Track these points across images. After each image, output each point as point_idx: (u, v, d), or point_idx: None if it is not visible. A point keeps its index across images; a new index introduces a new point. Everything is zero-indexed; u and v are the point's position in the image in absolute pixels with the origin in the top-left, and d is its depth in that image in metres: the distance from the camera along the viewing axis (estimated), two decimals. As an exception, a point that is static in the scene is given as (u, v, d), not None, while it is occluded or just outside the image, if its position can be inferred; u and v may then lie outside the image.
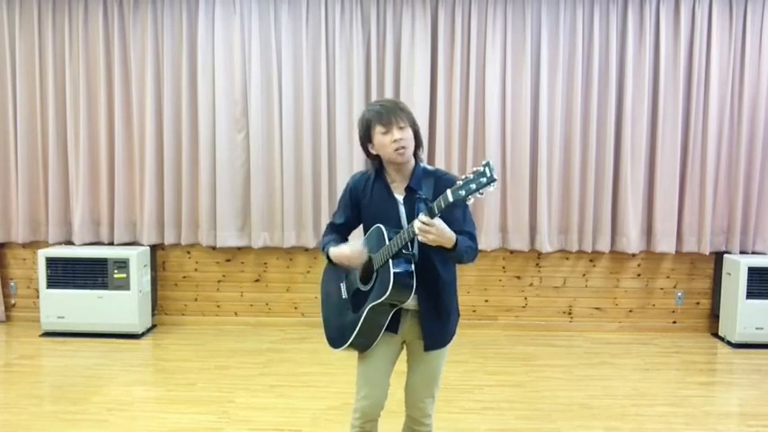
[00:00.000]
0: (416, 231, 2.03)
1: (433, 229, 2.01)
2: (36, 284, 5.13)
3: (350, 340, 2.30)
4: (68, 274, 4.83)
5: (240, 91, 4.97)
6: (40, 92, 5.02)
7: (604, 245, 5.02)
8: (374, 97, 4.93)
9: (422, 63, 4.87)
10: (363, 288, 2.28)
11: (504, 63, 4.91)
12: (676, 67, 4.90)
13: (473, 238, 2.24)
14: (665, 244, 4.99)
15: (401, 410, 2.47)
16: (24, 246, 5.22)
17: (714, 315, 5.14)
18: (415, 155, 2.31)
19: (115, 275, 4.80)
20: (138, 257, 4.84)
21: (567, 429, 3.40)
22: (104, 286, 4.82)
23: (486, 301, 5.22)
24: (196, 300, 5.27)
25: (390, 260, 2.15)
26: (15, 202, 5.10)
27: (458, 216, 2.20)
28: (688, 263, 5.17)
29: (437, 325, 2.31)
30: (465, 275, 5.16)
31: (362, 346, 2.32)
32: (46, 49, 4.99)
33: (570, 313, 5.23)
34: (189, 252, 5.23)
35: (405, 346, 2.39)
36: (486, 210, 4.97)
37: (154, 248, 5.16)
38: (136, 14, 4.93)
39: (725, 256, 5.00)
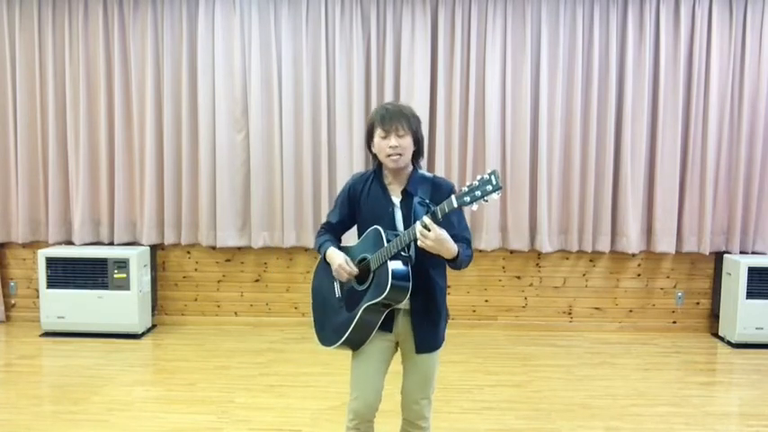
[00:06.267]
0: (417, 235, 2.05)
1: (431, 235, 2.03)
2: (36, 284, 5.13)
3: (343, 338, 2.30)
4: (68, 274, 4.83)
5: (240, 91, 4.97)
6: (40, 92, 5.02)
7: (604, 245, 5.03)
8: (374, 97, 4.93)
9: (422, 63, 4.87)
10: (359, 288, 2.30)
11: (504, 63, 4.91)
12: (676, 67, 4.90)
13: (469, 244, 2.27)
14: (665, 244, 4.99)
15: (399, 410, 2.46)
16: (24, 246, 5.22)
17: (714, 315, 5.14)
18: (414, 161, 2.34)
19: (115, 275, 4.80)
20: (138, 257, 4.84)
21: (566, 429, 3.40)
22: (104, 286, 4.82)
23: (486, 301, 5.22)
24: (196, 300, 5.27)
25: (388, 261, 2.16)
26: (15, 202, 5.10)
27: (453, 221, 2.20)
28: (688, 263, 5.17)
29: (429, 328, 2.32)
30: (465, 275, 5.16)
31: (355, 343, 2.33)
32: (46, 49, 4.99)
33: (570, 313, 5.23)
34: (189, 252, 5.23)
35: (399, 347, 2.40)
36: (487, 210, 4.97)
37: (154, 248, 5.16)
38: (136, 14, 4.94)
39: (725, 256, 5.00)
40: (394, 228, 2.27)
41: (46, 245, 5.10)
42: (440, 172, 4.91)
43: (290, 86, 4.95)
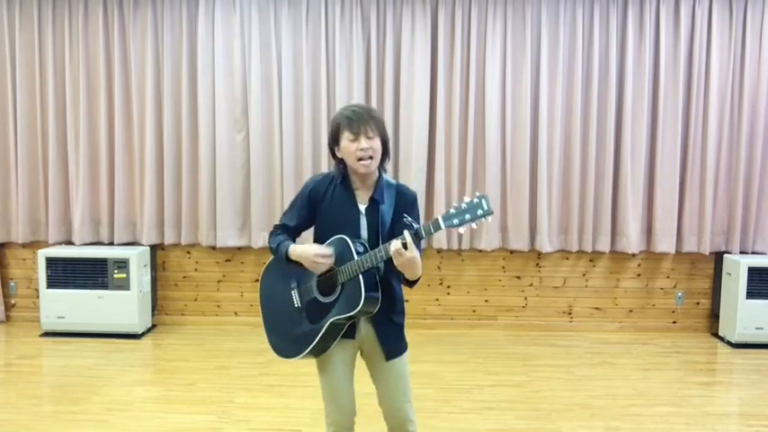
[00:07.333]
0: (391, 251, 2.03)
1: (408, 255, 2.01)
2: (36, 284, 5.13)
3: (307, 350, 2.23)
4: (68, 274, 4.83)
5: (240, 91, 4.97)
6: (40, 92, 5.02)
7: (604, 245, 5.02)
8: (374, 97, 4.93)
9: (422, 63, 4.87)
10: (323, 299, 2.21)
11: (504, 63, 4.91)
12: (676, 67, 4.90)
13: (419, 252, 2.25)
14: (665, 244, 4.99)
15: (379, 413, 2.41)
16: (24, 246, 5.22)
17: (714, 315, 5.14)
18: (380, 166, 2.26)
19: (115, 275, 4.80)
20: (138, 257, 4.83)
21: (567, 429, 3.40)
22: (104, 286, 4.82)
23: (486, 301, 5.22)
24: (196, 300, 5.27)
25: (361, 275, 2.11)
26: (15, 202, 5.10)
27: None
28: (688, 263, 5.17)
29: (394, 333, 2.30)
30: (465, 275, 5.17)
31: (318, 353, 2.27)
32: (46, 49, 4.99)
33: (570, 313, 5.23)
34: (189, 252, 5.23)
35: (361, 354, 2.35)
36: (486, 210, 4.96)
37: (154, 248, 5.16)
38: (136, 14, 4.94)
39: (725, 256, 5.00)
40: (358, 235, 2.21)
41: (46, 245, 5.10)
42: (440, 172, 4.92)
43: (290, 86, 4.94)
